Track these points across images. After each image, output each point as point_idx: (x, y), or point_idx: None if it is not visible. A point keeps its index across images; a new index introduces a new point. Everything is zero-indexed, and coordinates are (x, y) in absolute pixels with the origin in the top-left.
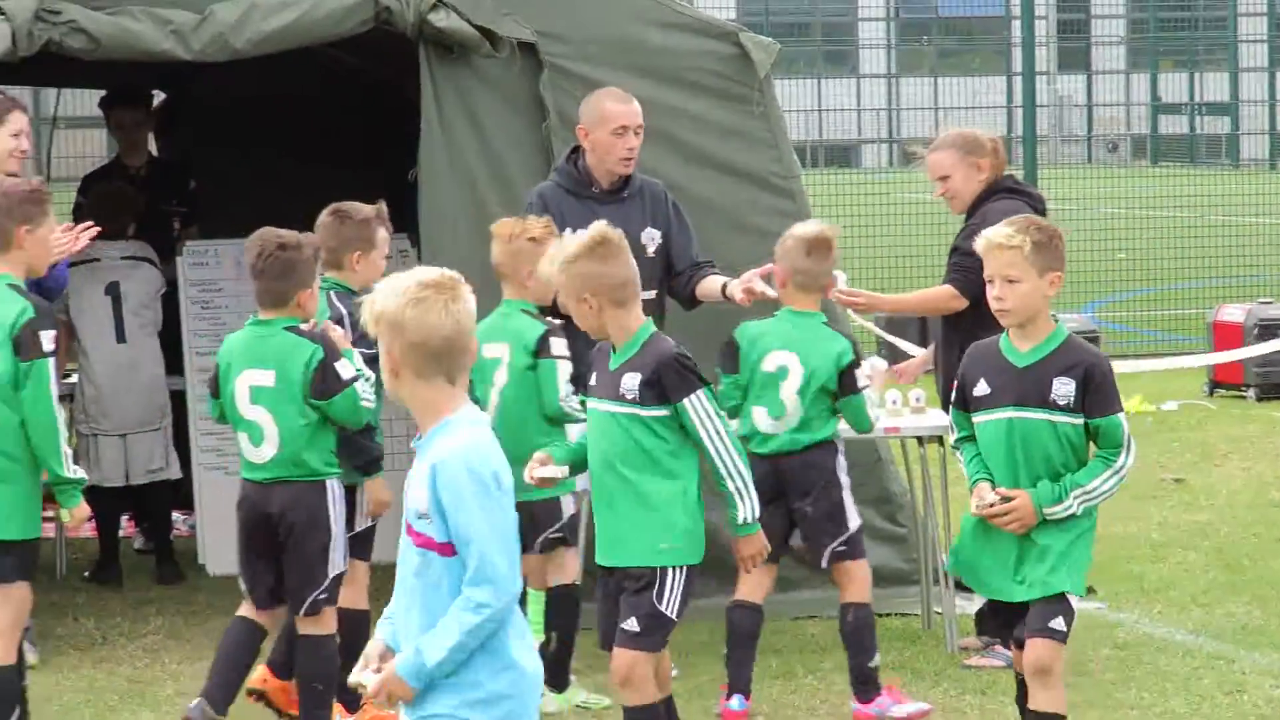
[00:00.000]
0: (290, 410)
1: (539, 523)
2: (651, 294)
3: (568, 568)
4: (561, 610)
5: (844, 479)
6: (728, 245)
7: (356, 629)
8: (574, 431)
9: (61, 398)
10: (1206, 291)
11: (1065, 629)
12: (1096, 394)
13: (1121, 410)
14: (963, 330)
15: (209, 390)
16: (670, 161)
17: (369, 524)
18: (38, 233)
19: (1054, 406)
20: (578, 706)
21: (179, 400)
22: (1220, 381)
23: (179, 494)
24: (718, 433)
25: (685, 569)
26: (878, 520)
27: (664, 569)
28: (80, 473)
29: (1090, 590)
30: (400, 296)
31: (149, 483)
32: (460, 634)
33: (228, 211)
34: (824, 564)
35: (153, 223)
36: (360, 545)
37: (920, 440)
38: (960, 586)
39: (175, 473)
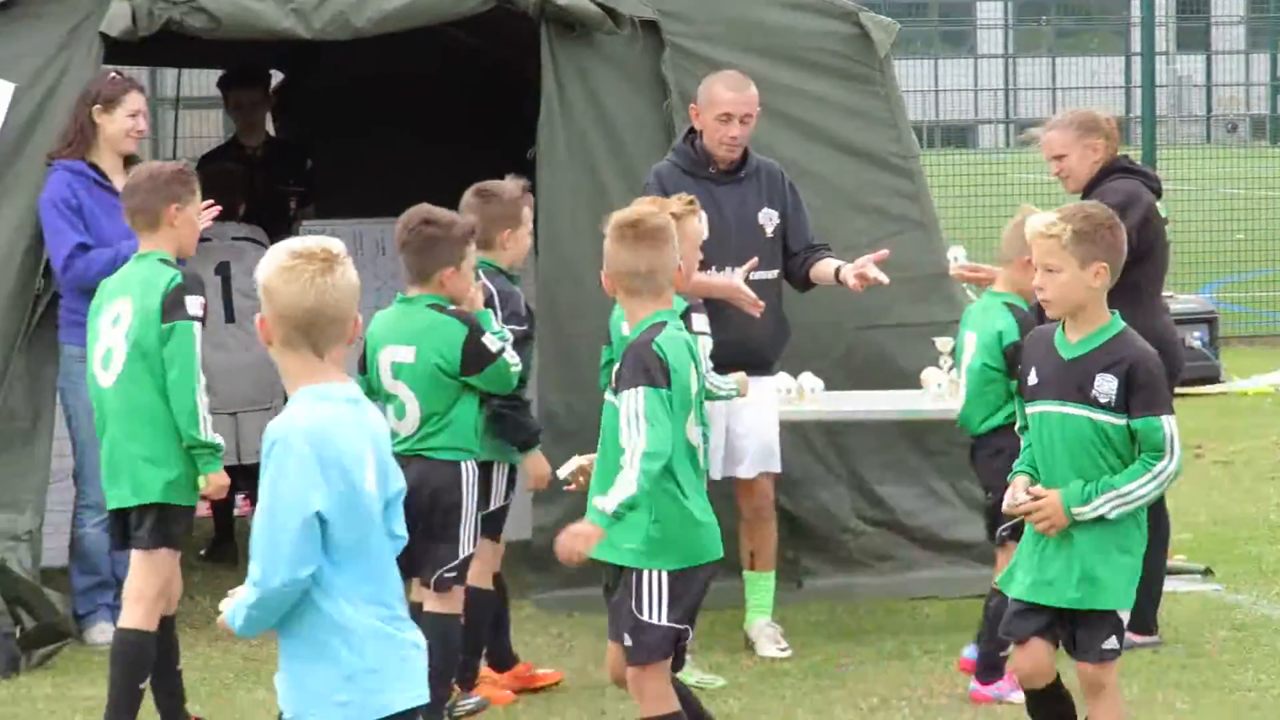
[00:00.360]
0: (428, 387)
1: None
2: (772, 274)
3: None
4: None
5: None
6: (846, 225)
7: (479, 607)
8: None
9: None
10: None
11: (1118, 647)
12: (1140, 393)
13: (1168, 413)
14: None
15: (359, 368)
16: (790, 140)
17: (503, 503)
18: (186, 211)
19: (1095, 404)
20: (692, 686)
21: None
22: None
23: None
24: (638, 428)
25: (663, 573)
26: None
27: (638, 572)
28: (218, 438)
29: (1208, 571)
30: (271, 264)
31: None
32: (244, 606)
33: (345, 192)
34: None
35: (269, 203)
36: (491, 524)
37: None
38: None
39: None
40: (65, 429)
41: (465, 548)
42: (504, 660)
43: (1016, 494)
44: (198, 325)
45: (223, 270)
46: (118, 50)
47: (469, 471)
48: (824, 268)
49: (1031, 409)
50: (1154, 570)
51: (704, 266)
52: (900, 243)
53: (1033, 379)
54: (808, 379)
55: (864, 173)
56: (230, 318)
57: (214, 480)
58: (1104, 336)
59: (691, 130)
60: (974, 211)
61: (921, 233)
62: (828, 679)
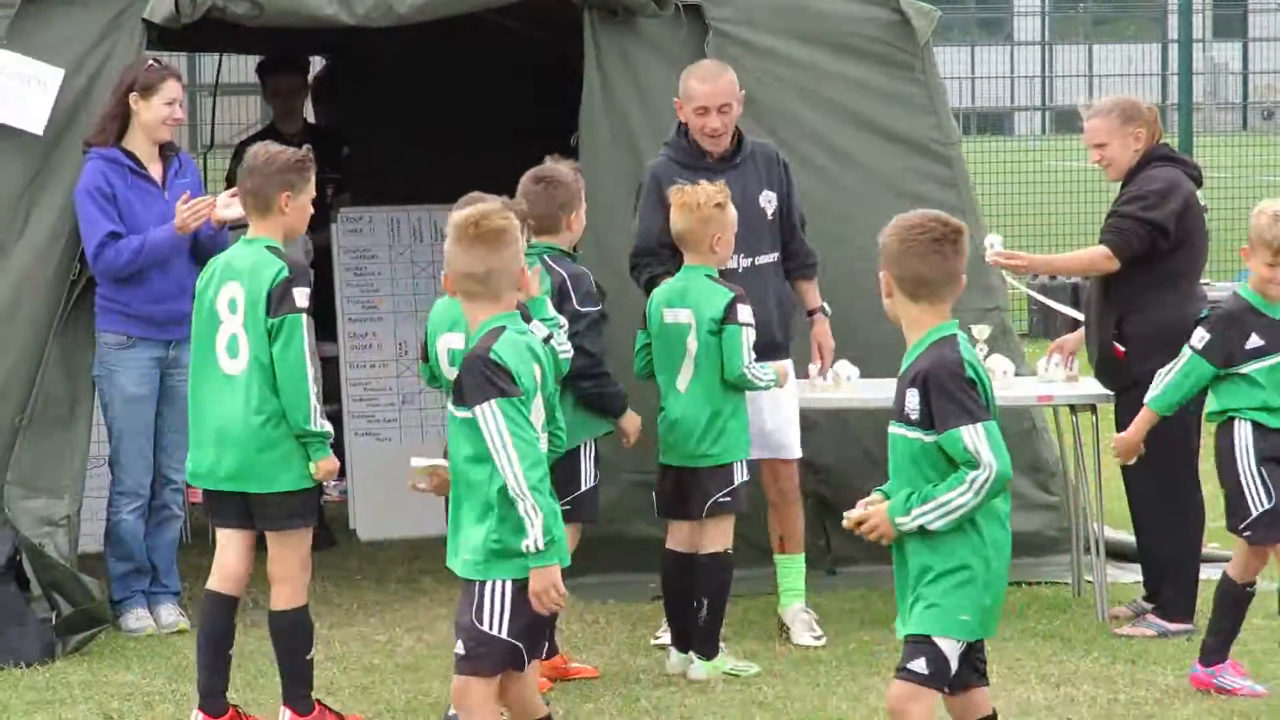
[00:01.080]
0: None
1: (706, 488)
2: (773, 257)
3: (725, 534)
4: (714, 577)
5: None
6: (885, 211)
7: None
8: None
9: None
10: None
11: (925, 672)
12: (934, 406)
13: (968, 421)
14: (1118, 301)
15: (420, 356)
16: (831, 125)
17: (594, 483)
18: (298, 199)
19: (907, 420)
20: (726, 674)
21: (331, 366)
22: None
23: None
24: (504, 446)
25: (506, 583)
26: (1030, 488)
27: (479, 583)
28: (327, 426)
29: None
30: None
31: None
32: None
33: (382, 179)
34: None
35: None
36: (586, 507)
37: (1073, 409)
38: (1112, 555)
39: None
40: (101, 416)
41: None
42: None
43: (853, 511)
44: (306, 316)
45: None
46: (162, 36)
47: None
48: (801, 293)
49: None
50: (1189, 558)
51: None
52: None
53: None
54: (844, 366)
55: (903, 159)
56: None
57: (323, 466)
58: (916, 351)
59: (683, 123)
60: (1010, 198)
61: (959, 219)
62: (862, 666)
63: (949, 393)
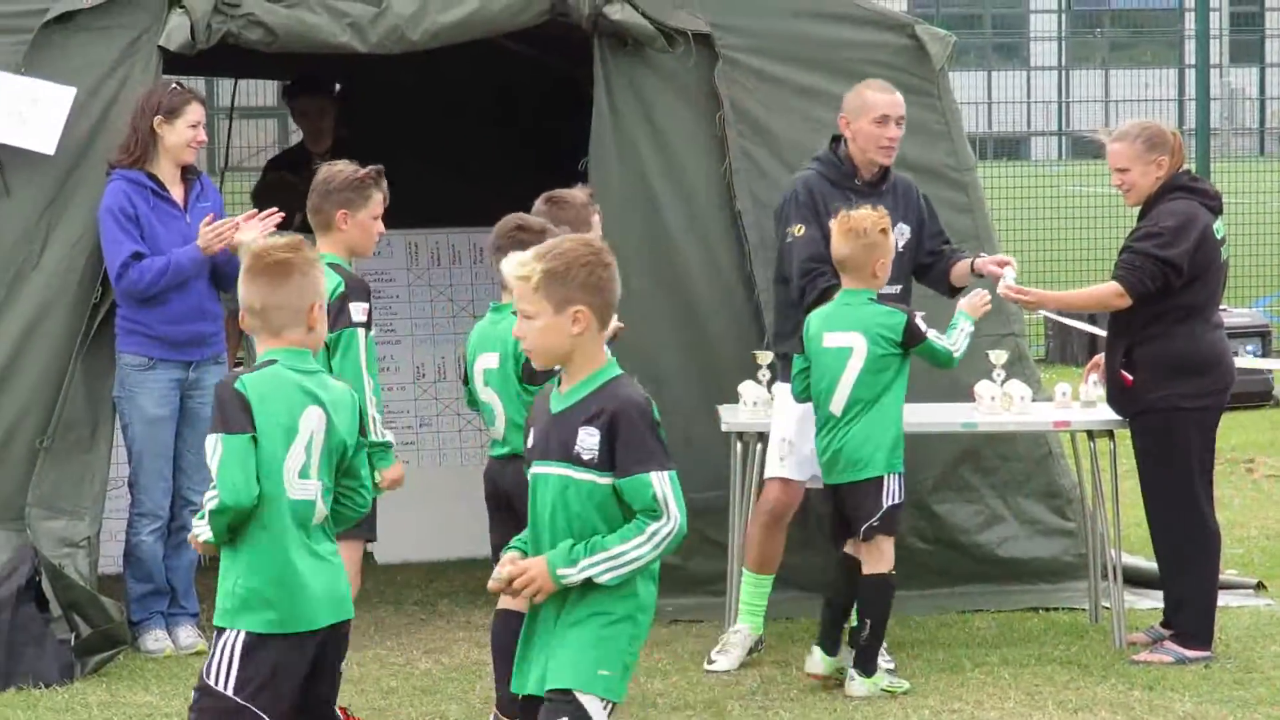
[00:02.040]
0: (511, 391)
1: (861, 510)
2: (895, 289)
3: (885, 556)
4: (876, 598)
5: None
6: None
7: None
8: None
9: None
10: None
11: None
12: (622, 447)
13: (658, 468)
14: (1128, 330)
15: (462, 380)
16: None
17: None
18: (357, 217)
19: (578, 461)
20: (883, 690)
21: None
22: None
23: None
24: (213, 480)
25: (240, 634)
26: (1047, 514)
27: (219, 630)
28: (389, 436)
29: (1260, 585)
30: None
31: None
32: None
33: (400, 202)
34: None
35: None
36: None
37: (1090, 434)
38: (1130, 581)
39: None
40: (120, 437)
41: None
42: None
43: (500, 569)
44: (362, 331)
45: None
46: (175, 60)
47: None
48: (959, 268)
49: (530, 471)
50: (1207, 585)
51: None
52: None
53: (530, 438)
54: None
55: (919, 185)
56: None
57: (388, 475)
58: (590, 386)
59: (835, 140)
60: (1027, 224)
61: (976, 245)
62: (879, 692)
63: (640, 435)
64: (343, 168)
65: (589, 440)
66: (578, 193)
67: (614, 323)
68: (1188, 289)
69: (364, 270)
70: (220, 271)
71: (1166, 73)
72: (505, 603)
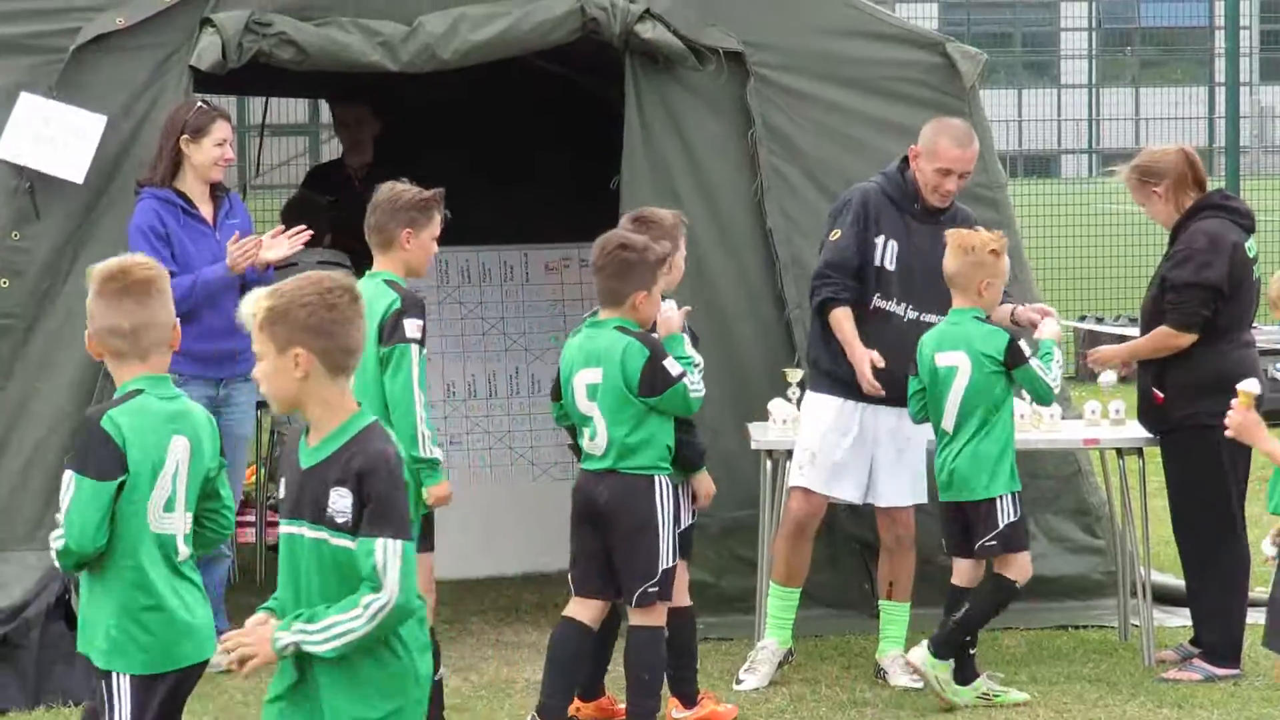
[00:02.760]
0: (615, 407)
1: (976, 526)
2: (935, 318)
3: (1013, 566)
4: (989, 594)
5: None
6: None
7: (678, 626)
8: None
9: (261, 403)
10: None
11: None
12: (366, 508)
13: (391, 535)
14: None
15: (551, 395)
16: (875, 172)
17: (691, 522)
18: (420, 237)
19: (332, 524)
20: (979, 697)
21: None
22: None
23: None
24: (64, 519)
25: (126, 678)
26: (1076, 532)
27: (105, 674)
28: (438, 454)
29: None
30: None
31: None
32: None
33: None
34: None
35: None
36: (682, 544)
37: (1120, 452)
38: (1159, 599)
39: None
40: None
41: (665, 561)
42: (592, 690)
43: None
44: (416, 347)
45: None
46: (206, 78)
47: (663, 487)
48: (999, 314)
49: (281, 530)
50: (1236, 602)
51: (885, 298)
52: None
53: (280, 492)
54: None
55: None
56: None
57: (434, 492)
58: (339, 440)
59: (906, 159)
60: (1058, 241)
61: (1007, 263)
62: (908, 709)
63: (380, 496)
64: (407, 187)
65: (339, 502)
66: (666, 213)
67: (675, 311)
68: (1221, 307)
69: None
70: (250, 288)
71: (1197, 90)
72: (570, 611)
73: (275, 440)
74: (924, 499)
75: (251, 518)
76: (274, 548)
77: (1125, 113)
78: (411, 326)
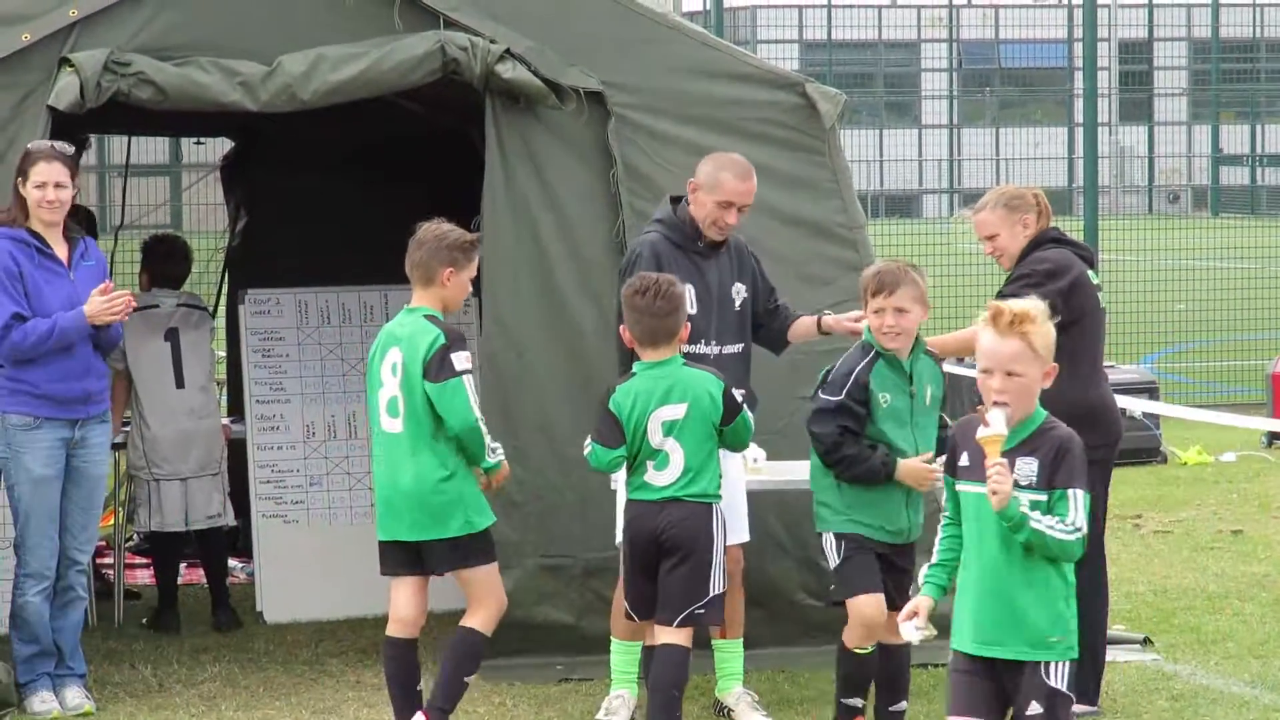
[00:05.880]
0: (699, 438)
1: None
2: (738, 348)
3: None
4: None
5: None
6: (791, 295)
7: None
8: None
9: (116, 445)
10: (1266, 343)
11: None
12: None
13: None
14: None
15: (598, 441)
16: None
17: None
18: (460, 276)
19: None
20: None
21: (238, 448)
22: None
23: (237, 542)
24: None
25: None
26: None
27: None
28: (500, 453)
29: (1147, 640)
30: None
31: (210, 529)
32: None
33: (290, 260)
34: None
35: None
36: None
37: None
38: None
39: (231, 519)
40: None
41: (716, 587)
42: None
43: None
44: (468, 377)
45: (171, 337)
46: (69, 117)
47: (719, 515)
48: (801, 325)
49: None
50: (1095, 639)
51: (692, 340)
52: (844, 313)
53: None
54: (751, 449)
55: (809, 243)
56: (180, 383)
57: (499, 476)
58: None
59: (676, 200)
60: None
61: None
62: None
63: None
64: (453, 227)
65: None
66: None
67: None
68: (1067, 333)
69: (256, 329)
70: (102, 335)
71: (1056, 131)
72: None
73: (131, 482)
74: (746, 537)
75: (110, 560)
76: (131, 592)
77: (986, 153)
78: (460, 359)
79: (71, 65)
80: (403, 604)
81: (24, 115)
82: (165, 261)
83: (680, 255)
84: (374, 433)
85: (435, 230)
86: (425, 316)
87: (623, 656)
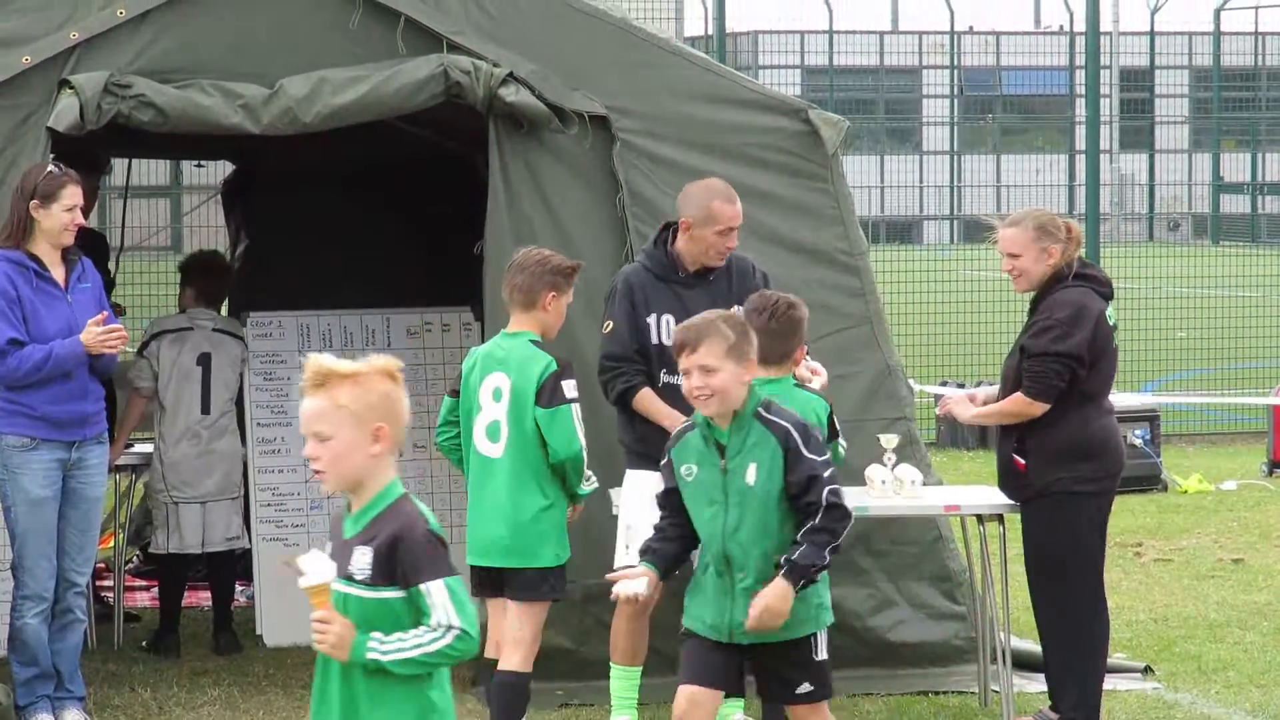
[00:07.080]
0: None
1: None
2: None
3: None
4: None
5: None
6: None
7: None
8: None
9: (137, 467)
10: (1267, 372)
11: None
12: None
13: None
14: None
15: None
16: (737, 237)
17: None
18: (559, 301)
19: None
20: None
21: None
22: None
23: (239, 565)
24: None
25: None
26: (937, 598)
27: None
28: (594, 482)
29: (1148, 669)
30: None
31: (223, 551)
32: None
33: (292, 283)
34: None
35: None
36: None
37: (980, 518)
38: (1019, 665)
39: (246, 542)
40: (3, 519)
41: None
42: None
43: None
44: (575, 405)
45: (204, 362)
46: (67, 138)
47: None
48: None
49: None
50: (1095, 668)
51: (671, 374)
52: (846, 339)
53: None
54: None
55: (811, 269)
56: (206, 409)
57: (579, 510)
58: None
59: (664, 230)
60: (918, 307)
61: (868, 329)
62: None
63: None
64: (554, 253)
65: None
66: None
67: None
68: (1082, 375)
69: (258, 352)
70: (97, 361)
71: (1057, 158)
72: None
73: (147, 503)
74: None
75: (110, 582)
76: (131, 614)
77: (987, 179)
78: (569, 387)
79: (72, 87)
80: (504, 627)
81: (24, 137)
82: (205, 277)
83: (660, 285)
84: (469, 456)
85: (537, 255)
86: (531, 342)
87: (623, 682)
